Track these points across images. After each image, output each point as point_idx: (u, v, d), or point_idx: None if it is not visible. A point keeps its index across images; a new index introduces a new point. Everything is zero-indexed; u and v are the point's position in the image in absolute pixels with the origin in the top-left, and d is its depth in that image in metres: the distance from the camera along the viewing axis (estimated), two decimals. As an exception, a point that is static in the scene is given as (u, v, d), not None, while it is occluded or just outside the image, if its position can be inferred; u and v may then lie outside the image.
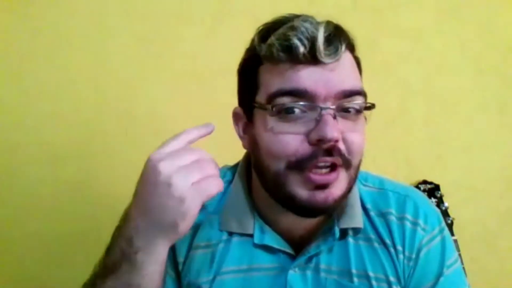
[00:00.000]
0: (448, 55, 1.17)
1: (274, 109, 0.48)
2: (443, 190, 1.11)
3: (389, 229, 0.57)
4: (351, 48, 0.53)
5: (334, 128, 0.46)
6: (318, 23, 0.49)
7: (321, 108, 0.47)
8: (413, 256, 0.57)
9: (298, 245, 0.57)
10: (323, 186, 0.49)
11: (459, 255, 0.97)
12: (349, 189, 0.52)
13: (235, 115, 0.57)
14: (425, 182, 1.13)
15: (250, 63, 0.54)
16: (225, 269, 0.58)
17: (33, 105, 1.02)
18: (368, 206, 0.59)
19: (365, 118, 0.55)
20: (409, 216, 0.58)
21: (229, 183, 0.62)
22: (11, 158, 1.01)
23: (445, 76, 1.17)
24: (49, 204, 1.02)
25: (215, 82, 1.05)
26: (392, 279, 0.56)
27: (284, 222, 0.57)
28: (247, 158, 0.62)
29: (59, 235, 1.03)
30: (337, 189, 0.50)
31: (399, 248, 0.56)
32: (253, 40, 0.53)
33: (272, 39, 0.49)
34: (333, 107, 0.47)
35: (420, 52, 1.17)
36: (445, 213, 1.08)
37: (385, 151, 1.15)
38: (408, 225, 0.57)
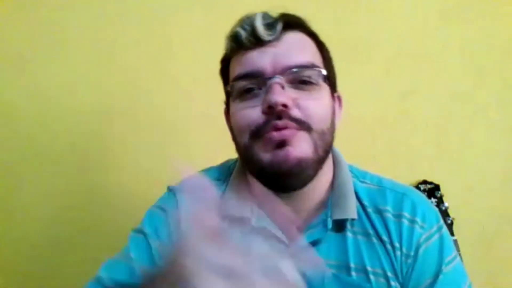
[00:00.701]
0: (448, 55, 1.17)
1: (234, 93, 0.56)
2: (443, 190, 1.11)
3: (386, 226, 0.58)
4: (299, 28, 0.58)
5: (279, 95, 0.51)
6: (259, 13, 0.56)
7: (267, 79, 0.53)
8: (412, 253, 0.57)
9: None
10: (281, 144, 0.52)
11: (459, 255, 0.97)
12: (317, 157, 0.54)
13: (225, 111, 0.63)
14: (425, 182, 1.13)
15: (223, 64, 0.62)
16: None
17: (35, 106, 1.02)
18: (365, 202, 0.60)
19: (337, 99, 0.61)
20: (406, 214, 0.59)
21: (230, 174, 0.65)
22: (11, 158, 1.01)
23: (445, 76, 1.17)
24: (50, 204, 1.03)
25: (217, 83, 1.05)
26: (389, 274, 0.57)
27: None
28: None
29: (55, 237, 1.03)
30: (297, 148, 0.52)
31: (396, 245, 0.57)
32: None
33: (227, 36, 0.57)
34: (279, 77, 0.53)
35: (420, 52, 1.17)
36: (445, 213, 1.08)
37: (385, 151, 1.15)
38: (405, 222, 0.58)
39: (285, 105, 0.51)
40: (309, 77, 0.54)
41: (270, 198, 0.56)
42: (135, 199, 1.05)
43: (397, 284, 0.56)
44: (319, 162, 0.55)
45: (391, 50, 1.16)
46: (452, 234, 1.05)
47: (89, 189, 1.04)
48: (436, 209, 0.63)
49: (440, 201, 1.09)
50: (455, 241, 1.02)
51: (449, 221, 1.07)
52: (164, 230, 0.60)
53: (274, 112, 0.52)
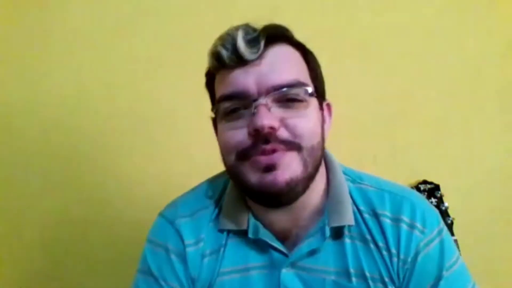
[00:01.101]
0: (448, 55, 1.17)
1: (219, 113, 0.55)
2: (443, 190, 1.11)
3: (382, 231, 0.57)
4: (284, 40, 0.56)
5: (265, 117, 0.50)
6: (240, 28, 0.53)
7: (254, 101, 0.51)
8: (409, 259, 0.56)
9: (291, 245, 0.59)
10: (270, 168, 0.51)
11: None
12: (307, 174, 0.53)
13: (213, 125, 0.62)
14: (425, 182, 1.13)
15: (208, 78, 0.60)
16: (223, 269, 0.59)
17: (42, 106, 1.02)
18: (361, 207, 0.59)
19: (326, 107, 0.60)
20: (405, 218, 0.58)
21: (226, 186, 0.65)
22: (10, 159, 1.01)
23: (445, 76, 1.17)
24: (53, 204, 1.03)
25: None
26: (386, 279, 0.56)
27: (275, 221, 0.58)
28: None
29: (56, 237, 1.03)
30: (285, 171, 0.51)
31: (393, 251, 0.56)
32: None
33: (209, 52, 0.55)
34: (265, 99, 0.51)
35: (420, 52, 1.16)
36: (445, 213, 1.08)
37: (385, 151, 1.15)
38: (404, 227, 0.57)
39: (272, 127, 0.50)
40: (296, 94, 0.53)
41: (264, 209, 0.58)
42: (135, 200, 1.05)
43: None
44: (309, 178, 0.54)
45: (391, 50, 1.16)
46: (452, 234, 1.05)
47: (89, 189, 1.04)
48: (437, 211, 0.62)
49: (440, 201, 1.09)
50: (455, 241, 1.02)
51: (449, 221, 1.07)
52: (171, 273, 0.60)
53: (261, 135, 0.50)
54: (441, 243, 0.58)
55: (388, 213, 0.58)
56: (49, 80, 1.03)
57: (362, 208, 0.59)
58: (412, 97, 1.17)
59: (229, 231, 0.60)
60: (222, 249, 0.60)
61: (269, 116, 0.50)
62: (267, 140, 0.51)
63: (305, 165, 0.52)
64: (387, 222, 0.58)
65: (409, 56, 1.16)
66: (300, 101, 0.53)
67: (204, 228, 0.61)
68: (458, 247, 1.01)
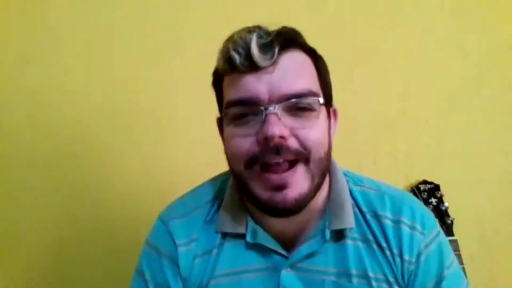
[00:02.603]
0: (448, 55, 1.17)
1: (227, 117, 0.54)
2: (443, 190, 1.11)
3: (384, 232, 0.58)
4: (297, 46, 0.55)
5: (276, 127, 0.49)
6: (253, 31, 0.52)
7: (264, 109, 0.50)
8: (413, 260, 0.57)
9: (290, 247, 0.59)
10: (280, 187, 0.51)
11: (459, 255, 0.98)
12: (314, 186, 0.53)
13: (218, 125, 0.61)
14: (425, 182, 1.13)
15: (216, 77, 0.59)
16: (218, 272, 0.59)
17: (37, 105, 1.02)
18: (364, 208, 0.60)
19: (333, 113, 0.60)
20: (406, 220, 0.59)
21: (226, 187, 0.64)
22: (11, 158, 1.01)
23: (445, 76, 1.17)
24: (49, 203, 1.03)
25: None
26: (391, 279, 0.57)
27: (275, 225, 0.58)
28: None
29: (55, 238, 1.03)
30: (296, 189, 0.52)
31: (395, 251, 0.57)
32: None
33: (219, 54, 0.53)
34: (275, 107, 0.50)
35: (420, 52, 1.17)
36: (445, 213, 1.08)
37: (385, 151, 1.15)
38: (405, 228, 0.58)
39: (282, 137, 0.50)
40: (308, 104, 0.52)
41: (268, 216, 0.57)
42: (135, 201, 1.05)
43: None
44: (316, 189, 0.55)
45: (391, 50, 1.16)
46: (452, 234, 1.05)
47: (91, 190, 1.04)
48: (433, 214, 0.64)
49: (440, 201, 1.09)
50: (455, 241, 1.02)
51: (449, 221, 1.07)
52: (160, 274, 0.61)
53: (271, 144, 0.50)
54: (440, 244, 0.60)
55: (389, 215, 0.59)
56: (49, 80, 1.03)
57: (364, 209, 0.60)
58: (412, 97, 1.17)
59: (225, 233, 0.60)
60: (215, 250, 0.60)
61: (279, 125, 0.49)
62: (276, 150, 0.50)
63: (312, 178, 0.53)
64: (388, 223, 0.59)
65: (409, 56, 1.16)
66: (310, 110, 0.53)
67: (197, 228, 0.61)
68: (458, 247, 1.01)
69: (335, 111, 0.62)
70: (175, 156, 1.07)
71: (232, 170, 0.56)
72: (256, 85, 0.51)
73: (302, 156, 0.52)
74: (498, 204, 1.18)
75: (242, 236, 0.59)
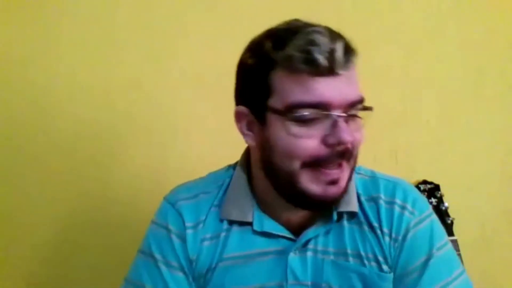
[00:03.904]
0: (448, 55, 1.17)
1: (288, 117, 0.52)
2: (443, 190, 1.11)
3: (378, 212, 0.62)
4: (356, 55, 0.56)
5: (347, 133, 0.51)
6: (334, 37, 0.52)
7: (337, 116, 0.52)
8: (399, 238, 0.60)
9: (296, 230, 0.61)
10: (335, 181, 0.54)
11: (459, 255, 0.97)
12: (351, 178, 0.57)
13: (238, 114, 0.59)
14: (425, 182, 1.13)
15: (260, 66, 0.55)
16: (226, 255, 0.61)
17: (37, 106, 1.02)
18: (360, 191, 0.63)
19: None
20: (398, 201, 0.62)
21: (231, 177, 0.65)
22: (14, 159, 1.01)
23: (445, 76, 1.17)
24: (47, 206, 1.03)
25: (218, 83, 1.05)
26: (380, 258, 0.60)
27: (283, 213, 0.61)
28: (247, 152, 0.65)
29: (56, 238, 1.03)
30: (343, 183, 0.55)
31: (386, 230, 0.61)
32: (261, 43, 0.55)
33: (290, 49, 0.51)
34: (345, 114, 0.52)
35: (420, 52, 1.17)
36: (445, 213, 1.08)
37: (385, 151, 1.15)
38: (396, 208, 0.61)
39: (351, 143, 0.52)
40: (362, 111, 0.55)
41: (277, 203, 0.59)
42: (135, 201, 1.05)
43: (388, 267, 0.60)
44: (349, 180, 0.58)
45: (390, 49, 1.16)
46: (452, 234, 1.05)
47: (89, 191, 1.04)
48: (426, 200, 0.68)
49: (440, 201, 1.09)
50: (455, 241, 1.02)
51: (449, 221, 1.07)
52: (171, 252, 0.62)
53: (337, 149, 0.52)
54: (431, 224, 0.62)
55: (383, 196, 0.63)
56: (48, 80, 1.03)
57: (360, 192, 0.64)
58: (412, 97, 1.17)
59: (232, 221, 0.62)
60: (223, 234, 0.61)
61: (350, 131, 0.52)
62: (342, 154, 0.53)
63: (351, 173, 0.57)
64: (382, 204, 0.62)
65: (409, 56, 1.16)
66: (360, 117, 0.56)
67: (205, 212, 0.63)
68: (458, 247, 1.01)
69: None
70: (175, 156, 1.07)
71: (275, 167, 0.56)
72: (330, 89, 0.51)
73: (351, 157, 0.55)
74: (498, 204, 1.18)
75: (249, 224, 0.61)
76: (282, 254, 0.60)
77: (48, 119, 1.02)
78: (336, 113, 0.52)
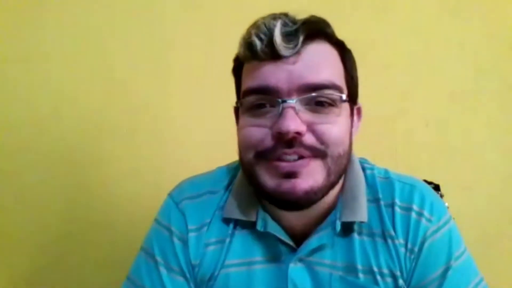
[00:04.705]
0: (448, 54, 1.17)
1: (243, 106, 0.51)
2: (443, 190, 1.11)
3: (393, 220, 0.56)
4: (324, 37, 0.52)
5: (292, 121, 0.46)
6: (278, 18, 0.49)
7: (281, 101, 0.48)
8: (416, 249, 0.55)
9: (300, 240, 0.57)
10: (290, 175, 0.48)
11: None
12: (329, 183, 0.51)
13: (234, 112, 0.59)
14: (425, 182, 1.13)
15: (236, 64, 0.56)
16: (228, 262, 0.58)
17: (35, 105, 1.02)
18: (380, 195, 0.58)
19: (357, 111, 0.57)
20: (415, 207, 0.56)
21: (234, 177, 0.63)
22: (11, 158, 1.01)
23: (445, 76, 1.17)
24: (48, 204, 1.03)
25: (216, 83, 1.05)
26: (396, 273, 0.55)
27: (285, 217, 0.57)
28: None
29: (56, 236, 1.03)
30: (306, 180, 0.49)
31: (401, 241, 0.55)
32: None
33: (241, 39, 0.51)
34: (294, 100, 0.48)
35: (419, 51, 1.16)
36: (445, 213, 1.08)
37: (385, 151, 1.15)
38: (413, 215, 0.56)
39: (298, 133, 0.47)
40: (328, 98, 0.49)
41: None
42: (135, 201, 1.05)
43: (403, 282, 0.55)
44: (331, 186, 0.52)
45: (390, 49, 1.15)
46: (452, 234, 1.05)
47: (89, 189, 1.04)
48: (444, 202, 0.61)
49: (440, 201, 1.09)
50: (455, 241, 1.02)
51: (449, 221, 1.07)
52: (172, 256, 0.59)
53: (285, 139, 0.47)
54: (449, 232, 0.57)
55: (398, 202, 0.57)
56: (47, 80, 1.03)
57: (380, 196, 0.58)
58: (412, 97, 1.17)
59: (236, 222, 0.58)
60: (228, 240, 0.58)
61: (296, 120, 0.47)
62: (290, 144, 0.48)
63: (328, 173, 0.50)
64: (397, 211, 0.56)
65: (409, 56, 1.16)
66: (331, 106, 0.50)
67: (210, 214, 0.59)
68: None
69: (359, 109, 0.60)
70: (175, 156, 1.07)
71: (241, 160, 0.54)
72: (275, 74, 0.48)
73: (318, 152, 0.49)
74: (498, 204, 1.18)
75: (252, 225, 0.57)
76: (282, 263, 0.57)
77: (48, 119, 1.02)
78: (285, 100, 0.48)
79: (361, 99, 1.12)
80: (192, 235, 0.58)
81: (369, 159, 1.11)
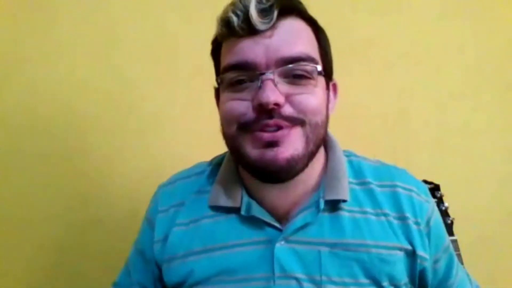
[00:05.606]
0: (448, 54, 1.17)
1: (224, 82, 0.53)
2: (443, 190, 1.11)
3: (396, 199, 0.60)
4: (297, 13, 0.54)
5: (271, 93, 0.49)
6: None
7: (259, 74, 0.50)
8: (425, 225, 0.60)
9: (284, 220, 0.59)
10: (272, 144, 0.51)
11: (459, 255, 0.97)
12: (308, 151, 0.53)
13: (215, 95, 0.62)
14: (425, 182, 1.13)
15: (214, 45, 0.58)
16: (212, 246, 0.59)
17: (36, 105, 1.02)
18: (369, 179, 0.61)
19: (332, 87, 0.60)
20: (414, 188, 0.62)
21: (214, 164, 0.66)
22: (10, 157, 1.01)
23: (445, 76, 1.17)
24: (48, 203, 1.03)
25: (206, 80, 1.05)
26: (406, 247, 0.58)
27: (269, 198, 0.58)
28: None
29: (56, 236, 1.03)
30: (288, 149, 0.51)
31: (408, 215, 0.59)
32: None
33: (218, 18, 0.53)
34: (272, 73, 0.50)
35: (419, 51, 1.16)
36: (445, 213, 1.08)
37: (385, 151, 1.15)
38: (415, 196, 0.61)
39: (277, 104, 0.50)
40: (305, 70, 0.52)
41: (259, 185, 0.58)
42: (135, 200, 1.05)
43: (405, 254, 0.58)
44: (310, 156, 0.54)
45: (390, 49, 1.16)
46: (452, 234, 1.05)
47: (86, 190, 1.04)
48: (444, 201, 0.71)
49: (440, 201, 1.09)
50: (455, 241, 1.02)
51: (449, 221, 1.07)
52: (146, 242, 0.64)
53: (265, 111, 0.50)
54: (438, 212, 0.64)
55: (399, 183, 0.61)
56: (45, 80, 1.03)
57: (369, 179, 0.61)
58: (412, 97, 1.17)
59: (219, 208, 0.60)
60: (206, 221, 0.60)
61: (275, 91, 0.49)
62: (270, 116, 0.50)
63: (307, 142, 0.52)
64: (400, 191, 0.60)
65: (409, 55, 1.16)
66: (308, 78, 0.52)
67: (179, 196, 0.63)
68: (458, 247, 1.00)
69: (335, 86, 0.62)
70: (177, 156, 1.07)
71: (224, 134, 0.56)
72: (252, 49, 0.50)
73: (297, 121, 0.52)
74: (498, 204, 1.18)
75: (236, 210, 0.59)
76: (269, 244, 0.57)
77: (47, 119, 1.02)
78: (264, 73, 0.50)
79: (361, 99, 1.13)
80: (160, 215, 0.62)
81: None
